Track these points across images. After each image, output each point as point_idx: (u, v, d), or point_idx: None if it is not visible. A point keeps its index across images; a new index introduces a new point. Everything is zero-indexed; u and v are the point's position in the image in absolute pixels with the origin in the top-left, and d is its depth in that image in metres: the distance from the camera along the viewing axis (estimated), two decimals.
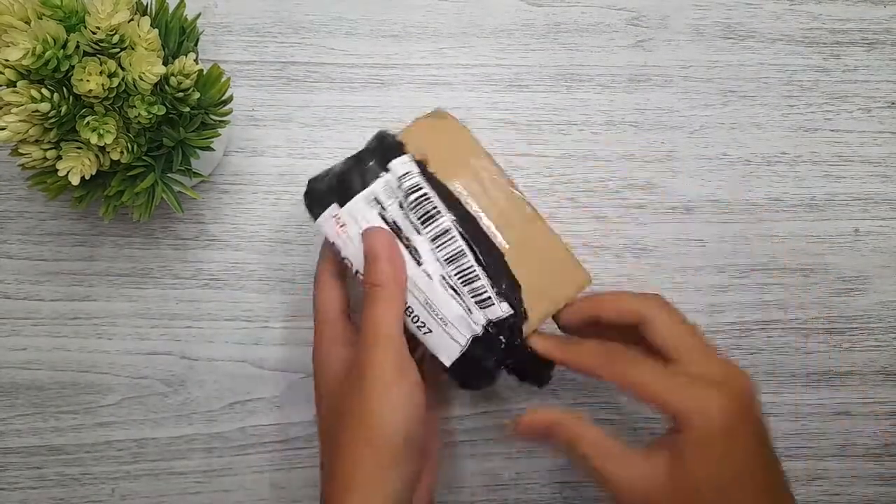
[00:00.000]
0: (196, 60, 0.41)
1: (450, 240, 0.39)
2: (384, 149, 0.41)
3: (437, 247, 0.39)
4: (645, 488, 0.35)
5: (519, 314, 0.40)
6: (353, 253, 0.40)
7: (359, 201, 0.40)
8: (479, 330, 0.39)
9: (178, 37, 0.43)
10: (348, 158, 0.42)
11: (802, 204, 0.54)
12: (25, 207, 0.51)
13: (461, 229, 0.40)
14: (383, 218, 0.40)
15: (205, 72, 0.43)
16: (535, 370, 0.42)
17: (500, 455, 0.52)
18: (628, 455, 0.36)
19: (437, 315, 0.39)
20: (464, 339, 0.39)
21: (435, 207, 0.39)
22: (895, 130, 0.55)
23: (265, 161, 0.52)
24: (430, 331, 0.39)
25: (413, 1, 0.54)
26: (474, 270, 0.39)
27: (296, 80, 0.53)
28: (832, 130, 0.55)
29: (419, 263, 0.39)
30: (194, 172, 0.45)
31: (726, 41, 0.55)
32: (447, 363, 0.40)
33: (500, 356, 0.40)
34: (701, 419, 0.35)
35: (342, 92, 0.53)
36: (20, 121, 0.38)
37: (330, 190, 0.41)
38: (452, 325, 0.39)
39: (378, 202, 0.40)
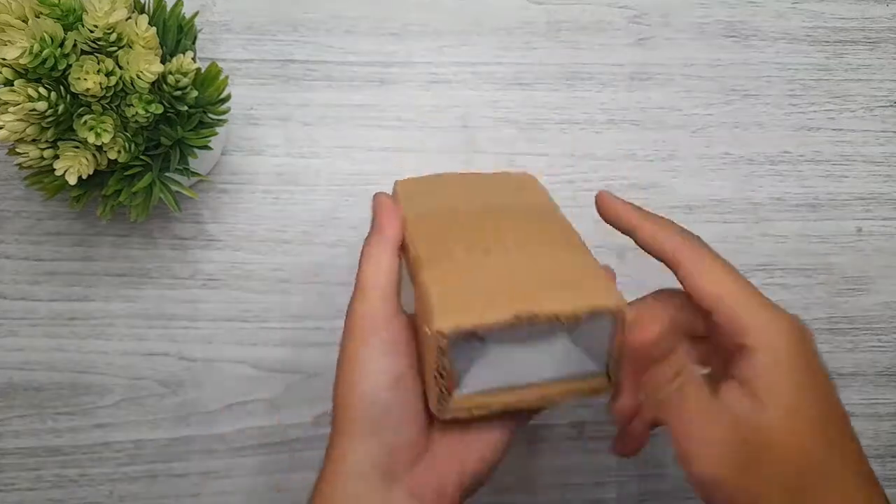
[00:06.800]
0: (194, 59, 0.40)
1: None
2: None
3: None
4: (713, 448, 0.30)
5: None
6: None
7: None
8: None
9: (175, 35, 0.43)
10: None
11: (805, 203, 0.54)
12: (23, 207, 0.51)
13: None
14: None
15: (203, 70, 0.43)
16: None
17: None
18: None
19: None
20: None
21: None
22: None
23: (264, 160, 0.52)
24: None
25: None
26: None
27: (295, 78, 0.52)
28: (835, 129, 0.54)
29: None
30: (192, 172, 0.45)
31: (728, 39, 0.55)
32: None
33: None
34: (776, 335, 0.31)
35: (341, 90, 0.52)
36: (17, 120, 0.38)
37: None
38: None
39: None
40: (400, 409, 0.34)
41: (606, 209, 0.37)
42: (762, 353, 0.31)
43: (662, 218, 0.36)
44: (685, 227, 0.52)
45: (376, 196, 0.39)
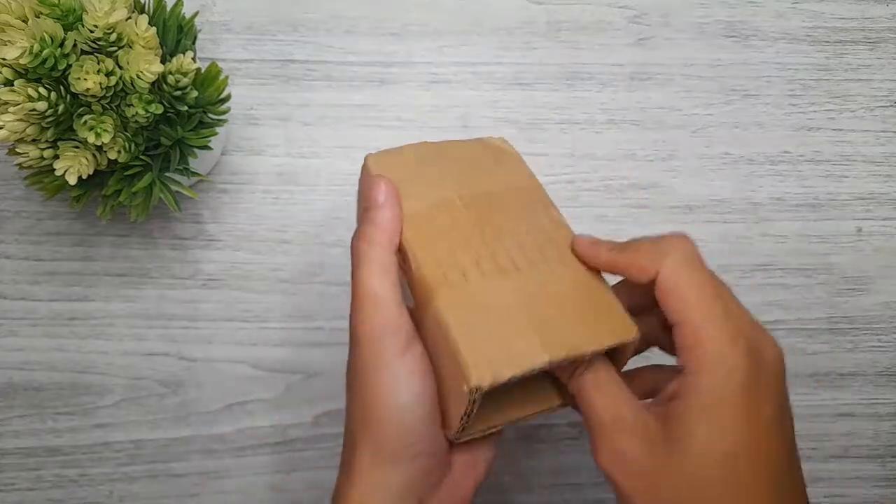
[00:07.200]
0: (194, 59, 0.40)
1: None
2: None
3: None
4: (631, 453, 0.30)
5: None
6: None
7: None
8: None
9: (175, 35, 0.43)
10: None
11: (805, 203, 0.54)
12: (23, 207, 0.51)
13: None
14: None
15: (203, 70, 0.43)
16: None
17: (500, 457, 0.51)
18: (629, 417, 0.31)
19: None
20: None
21: None
22: None
23: (264, 160, 0.52)
24: None
25: None
26: None
27: (295, 78, 0.52)
28: (835, 129, 0.54)
29: None
30: (192, 172, 0.45)
31: (728, 39, 0.55)
32: None
33: None
34: (726, 363, 0.29)
35: (341, 90, 0.52)
36: (17, 120, 0.38)
37: None
38: None
39: None
40: (430, 431, 0.33)
41: (584, 259, 0.35)
42: (697, 377, 0.30)
43: (631, 244, 0.34)
44: (686, 227, 0.52)
45: (371, 178, 0.35)
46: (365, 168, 0.37)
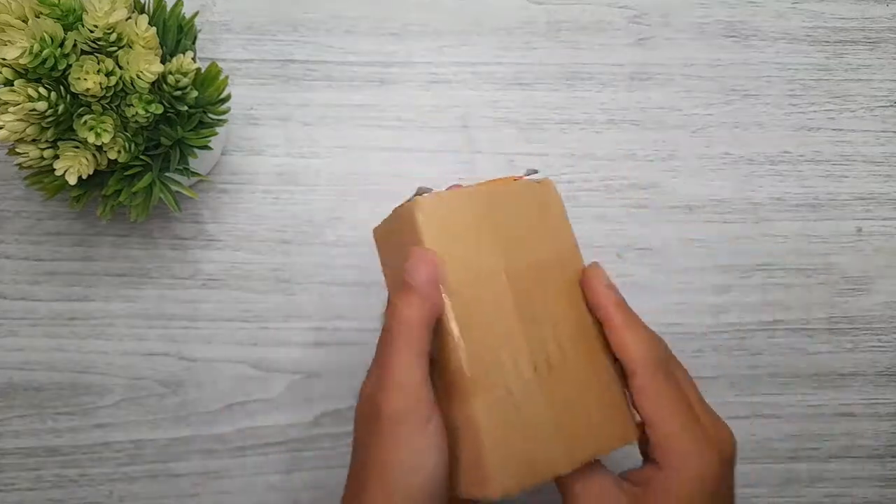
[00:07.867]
0: (194, 59, 0.40)
1: None
2: None
3: None
4: None
5: None
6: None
7: None
8: None
9: (175, 35, 0.43)
10: None
11: (805, 203, 0.54)
12: (23, 207, 0.51)
13: None
14: None
15: (203, 70, 0.43)
16: None
17: None
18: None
19: None
20: None
21: None
22: None
23: (264, 160, 0.52)
24: None
25: None
26: None
27: (295, 78, 0.52)
28: (835, 129, 0.54)
29: None
30: (192, 172, 0.45)
31: (728, 39, 0.55)
32: None
33: None
34: (694, 466, 0.33)
35: (341, 90, 0.52)
36: (17, 120, 0.38)
37: None
38: None
39: None
40: (439, 498, 0.33)
41: (588, 290, 0.36)
42: (665, 473, 0.33)
43: (634, 317, 0.36)
44: (686, 227, 0.52)
45: (418, 250, 0.34)
46: (410, 216, 0.34)
